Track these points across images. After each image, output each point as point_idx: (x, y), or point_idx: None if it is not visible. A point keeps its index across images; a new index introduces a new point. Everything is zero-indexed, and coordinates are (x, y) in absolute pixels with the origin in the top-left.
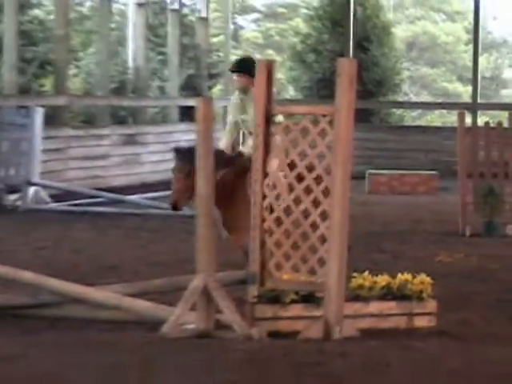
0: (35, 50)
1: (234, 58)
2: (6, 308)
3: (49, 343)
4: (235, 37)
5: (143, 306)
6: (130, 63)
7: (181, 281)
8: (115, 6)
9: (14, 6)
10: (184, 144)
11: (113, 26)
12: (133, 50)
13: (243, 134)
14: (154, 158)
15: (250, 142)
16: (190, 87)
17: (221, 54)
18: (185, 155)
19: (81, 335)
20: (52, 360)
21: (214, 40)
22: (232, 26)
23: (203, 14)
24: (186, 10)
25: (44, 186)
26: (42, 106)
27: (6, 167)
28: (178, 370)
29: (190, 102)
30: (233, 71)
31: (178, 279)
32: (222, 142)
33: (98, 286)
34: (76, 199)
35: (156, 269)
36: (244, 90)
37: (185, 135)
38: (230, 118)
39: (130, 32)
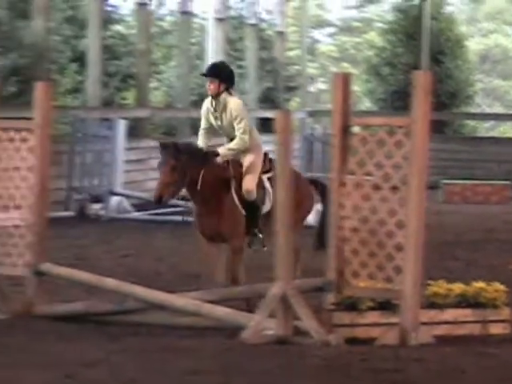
0: (118, 64)
1: (310, 71)
2: (89, 314)
3: (131, 349)
4: (311, 50)
5: (223, 312)
6: None
7: (260, 288)
8: (195, 21)
9: (98, 21)
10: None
11: (193, 40)
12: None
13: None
14: None
15: (230, 145)
16: (268, 100)
17: (297, 67)
18: (170, 150)
19: (162, 341)
20: (134, 366)
21: (291, 54)
22: (308, 40)
23: (280, 29)
24: (263, 25)
25: (126, 196)
26: (125, 119)
27: (89, 178)
28: (256, 376)
29: (268, 114)
30: (205, 76)
31: (257, 286)
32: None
33: (179, 293)
34: (157, 208)
35: None
36: (216, 96)
37: (264, 146)
38: (201, 125)
39: (210, 46)
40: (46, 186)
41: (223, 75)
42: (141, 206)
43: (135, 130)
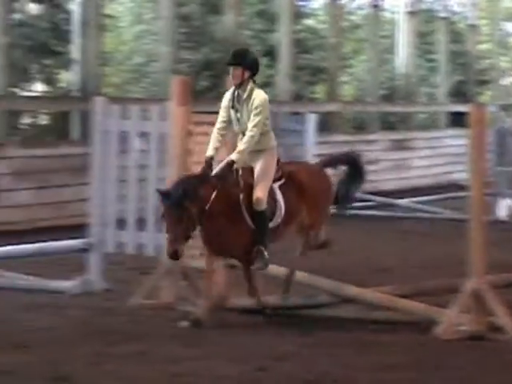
0: (308, 57)
1: (502, 64)
2: (281, 308)
3: (322, 343)
4: (503, 43)
5: (416, 307)
6: (400, 70)
7: (452, 283)
8: (386, 15)
9: (289, 15)
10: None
11: (383, 33)
12: (402, 57)
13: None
14: (423, 163)
15: (240, 146)
16: (459, 93)
17: (489, 60)
18: (173, 198)
19: (353, 335)
20: (326, 360)
21: (483, 47)
22: (500, 33)
23: (472, 21)
24: (455, 18)
25: None
26: (315, 113)
27: None
28: (451, 371)
29: (460, 108)
30: (229, 64)
31: (450, 282)
32: (209, 148)
33: (370, 287)
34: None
35: (427, 271)
36: (239, 85)
37: (453, 140)
38: (218, 118)
39: (400, 39)
40: None
41: (246, 62)
42: None
43: (325, 124)
